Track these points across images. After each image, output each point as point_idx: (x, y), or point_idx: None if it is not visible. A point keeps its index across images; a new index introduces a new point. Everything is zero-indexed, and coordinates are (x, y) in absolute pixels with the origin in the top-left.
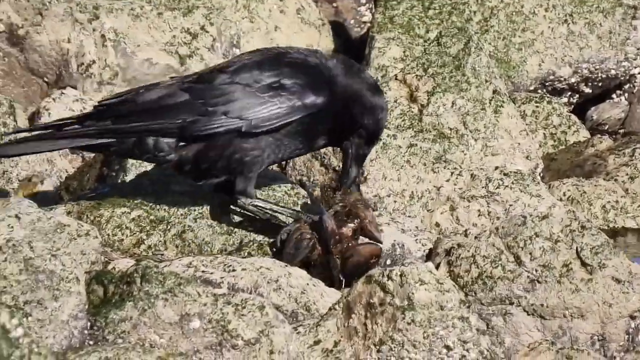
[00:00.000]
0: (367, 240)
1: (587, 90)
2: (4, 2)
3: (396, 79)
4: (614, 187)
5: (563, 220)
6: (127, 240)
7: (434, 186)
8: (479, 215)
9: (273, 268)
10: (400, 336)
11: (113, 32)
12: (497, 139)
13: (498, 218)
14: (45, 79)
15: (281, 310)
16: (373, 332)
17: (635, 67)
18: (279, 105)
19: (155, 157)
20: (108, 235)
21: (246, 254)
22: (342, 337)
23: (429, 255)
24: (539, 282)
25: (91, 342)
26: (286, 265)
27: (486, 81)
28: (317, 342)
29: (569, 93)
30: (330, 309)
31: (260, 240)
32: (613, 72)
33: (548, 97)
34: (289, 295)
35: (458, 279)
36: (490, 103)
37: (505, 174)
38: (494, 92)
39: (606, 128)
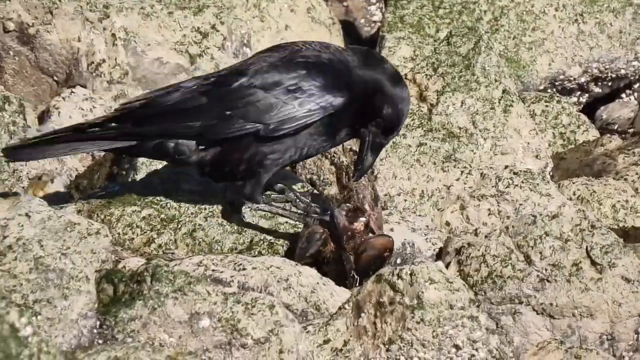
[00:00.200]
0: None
1: (597, 89)
2: (15, 1)
3: (406, 78)
4: (624, 187)
5: (573, 219)
6: (137, 239)
7: (444, 185)
8: (489, 214)
9: (283, 267)
10: (409, 335)
11: (123, 31)
12: (507, 138)
13: (508, 217)
14: (55, 78)
15: (291, 309)
16: (382, 331)
17: None
18: (298, 108)
19: (175, 159)
20: (118, 234)
21: (256, 252)
22: (351, 336)
23: (439, 254)
24: (548, 281)
25: (100, 341)
26: (296, 264)
27: (496, 80)
28: (326, 342)
29: (579, 92)
30: (339, 308)
31: (270, 239)
32: (623, 71)
33: (558, 96)
34: (299, 294)
35: (468, 278)
36: (499, 102)
37: (515, 173)
38: (504, 91)
39: (616, 127)
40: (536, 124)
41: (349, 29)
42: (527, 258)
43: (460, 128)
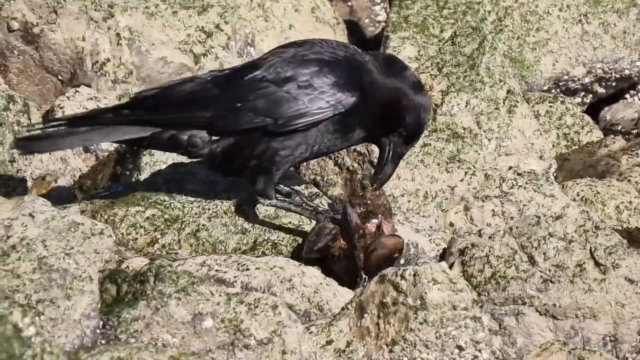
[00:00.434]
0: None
1: (601, 90)
2: (19, 0)
3: None
4: (628, 188)
5: (577, 220)
6: (141, 239)
7: (448, 186)
8: (492, 215)
9: (287, 267)
10: (412, 336)
11: (128, 30)
12: (511, 139)
13: (512, 218)
14: (60, 77)
15: (294, 309)
16: (385, 332)
17: None
18: (307, 104)
19: (188, 151)
20: (122, 234)
21: (260, 253)
22: (354, 337)
23: (443, 255)
24: (552, 282)
25: (103, 342)
26: (300, 265)
27: (500, 81)
28: (329, 342)
29: (583, 93)
30: (342, 308)
31: (274, 240)
32: (627, 72)
33: (562, 97)
34: (302, 294)
35: (471, 279)
36: (504, 103)
37: (519, 174)
38: (508, 91)
39: (619, 128)
40: (540, 124)
41: (353, 28)
42: (531, 259)
43: (464, 128)
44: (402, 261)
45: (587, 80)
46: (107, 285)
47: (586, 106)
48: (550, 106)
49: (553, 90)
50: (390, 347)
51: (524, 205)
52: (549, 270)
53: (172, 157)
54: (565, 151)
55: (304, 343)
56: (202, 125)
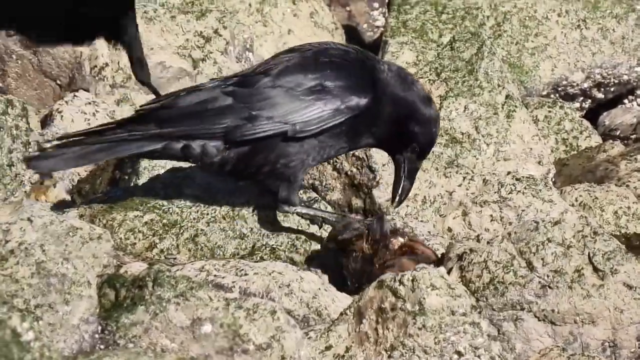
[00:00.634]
0: (415, 257)
1: (600, 95)
2: None
3: None
4: (626, 193)
5: (575, 225)
6: (139, 244)
7: (446, 191)
8: (491, 220)
9: (285, 272)
10: (411, 342)
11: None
12: (510, 144)
13: (510, 223)
14: (58, 82)
15: (293, 315)
16: (384, 338)
17: None
18: (323, 108)
19: (201, 160)
20: (120, 238)
21: (258, 258)
22: (353, 342)
23: (441, 260)
24: (550, 287)
25: (102, 347)
26: (298, 270)
27: (499, 86)
28: (328, 348)
29: (581, 98)
30: (341, 314)
31: (272, 245)
32: (625, 77)
33: (560, 102)
34: (301, 300)
35: (470, 284)
36: (502, 108)
37: (517, 179)
38: (507, 96)
39: (618, 133)
40: (539, 129)
41: (351, 33)
42: (529, 264)
43: (463, 133)
44: None
45: (585, 85)
46: (106, 290)
47: (585, 111)
48: (549, 111)
49: (552, 96)
50: (389, 352)
51: (523, 210)
52: (548, 276)
53: (171, 162)
54: (564, 156)
55: (303, 348)
56: (218, 135)
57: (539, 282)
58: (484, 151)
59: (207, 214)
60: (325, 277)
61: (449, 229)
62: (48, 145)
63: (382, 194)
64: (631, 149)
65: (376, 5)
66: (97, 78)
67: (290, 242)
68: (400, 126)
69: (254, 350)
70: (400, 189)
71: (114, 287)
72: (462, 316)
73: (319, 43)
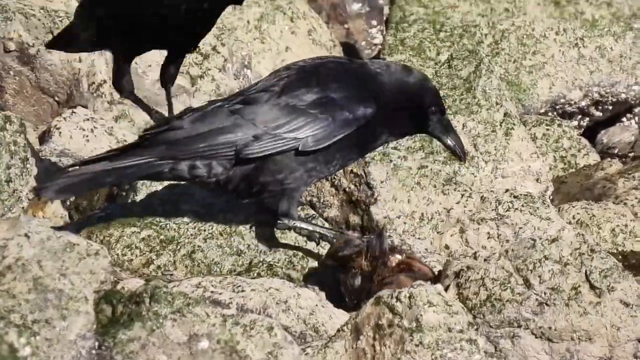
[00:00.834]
0: (413, 274)
1: (598, 113)
2: (15, 21)
3: None
4: (624, 211)
5: (572, 243)
6: (136, 260)
7: (444, 208)
8: (488, 237)
9: (282, 289)
10: (408, 358)
11: None
12: (508, 162)
13: (507, 241)
14: (56, 98)
15: (290, 331)
16: (381, 354)
17: None
18: (331, 121)
19: (207, 179)
20: (117, 255)
21: (255, 274)
22: (350, 358)
23: (438, 277)
24: (547, 305)
25: None
26: (295, 286)
27: (497, 104)
28: None
29: (580, 116)
30: (338, 330)
31: (269, 261)
32: (623, 95)
33: (558, 120)
34: (298, 316)
35: (467, 301)
36: (500, 125)
37: (515, 197)
38: (505, 114)
39: (616, 151)
40: (537, 147)
41: (349, 51)
42: (526, 282)
43: None
44: None
45: (583, 103)
46: (103, 306)
47: (583, 129)
48: (547, 129)
49: (550, 114)
50: None
51: (520, 228)
52: (545, 293)
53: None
54: (562, 174)
55: None
56: (226, 154)
57: (536, 299)
58: (482, 168)
59: (204, 231)
60: (323, 294)
61: (447, 246)
62: (56, 174)
63: (379, 211)
64: (629, 167)
65: (374, 23)
66: (95, 94)
67: (287, 259)
68: (411, 108)
69: None
70: (454, 146)
71: (111, 303)
72: (459, 333)
73: (315, 58)
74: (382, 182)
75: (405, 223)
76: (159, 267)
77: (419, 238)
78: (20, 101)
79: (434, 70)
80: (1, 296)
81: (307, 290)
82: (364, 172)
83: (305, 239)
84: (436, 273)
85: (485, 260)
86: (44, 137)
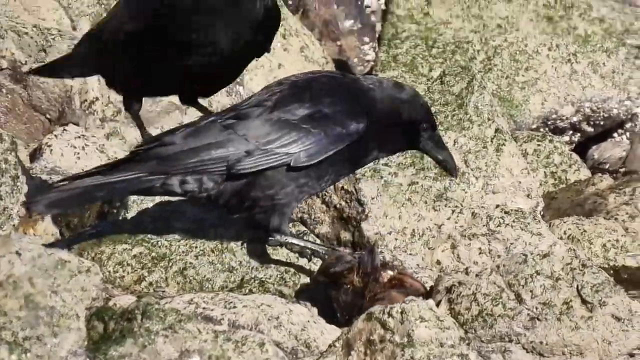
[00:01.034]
0: (405, 290)
1: (589, 129)
2: (8, 39)
3: None
4: (615, 226)
5: (564, 258)
6: (128, 277)
7: (435, 224)
8: (479, 253)
9: (274, 305)
10: None
11: None
12: (499, 177)
13: (499, 256)
14: (48, 116)
15: (281, 347)
16: None
17: (637, 107)
18: (323, 135)
19: (200, 194)
20: (109, 272)
21: (247, 291)
22: None
23: (430, 293)
24: (539, 319)
25: None
26: (287, 302)
27: (488, 119)
28: None
29: (571, 132)
30: (330, 346)
31: (261, 278)
32: (615, 111)
33: (550, 135)
34: (289, 332)
35: (458, 317)
36: (492, 141)
37: (506, 212)
38: (496, 130)
39: (607, 167)
40: (528, 163)
41: (342, 68)
42: (518, 297)
43: None
44: None
45: (575, 119)
46: (94, 322)
47: (574, 145)
48: (539, 145)
49: (541, 129)
50: None
51: (511, 243)
52: (536, 308)
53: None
54: (552, 189)
55: None
56: (218, 169)
57: (528, 314)
58: (473, 184)
59: (196, 247)
60: (315, 310)
61: (438, 262)
62: (46, 189)
63: (371, 227)
64: (620, 182)
65: (367, 39)
66: (87, 112)
67: (279, 275)
68: (403, 124)
69: None
70: (445, 161)
71: (102, 319)
72: (450, 348)
73: (308, 73)
74: (373, 198)
75: (396, 239)
76: (150, 283)
77: (410, 254)
78: (12, 119)
79: (426, 86)
80: None
81: (299, 306)
82: (355, 189)
83: (296, 255)
84: (428, 289)
85: (476, 275)
86: (35, 155)
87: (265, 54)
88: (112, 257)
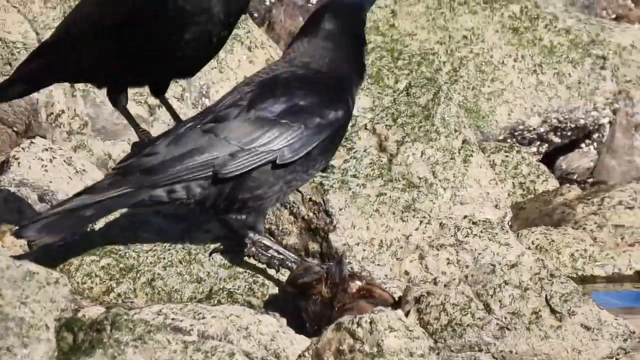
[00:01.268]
0: (373, 300)
1: (556, 139)
2: None
3: (365, 128)
4: (583, 236)
5: (532, 268)
6: (96, 288)
7: (403, 235)
8: (448, 263)
9: (243, 315)
10: None
11: None
12: (466, 188)
13: (467, 266)
14: (15, 129)
15: (251, 357)
16: None
17: (604, 117)
18: (305, 128)
19: (188, 200)
20: (78, 283)
21: (216, 301)
22: None
23: (399, 303)
24: (508, 329)
25: None
26: (256, 313)
27: (455, 131)
28: None
29: (538, 142)
30: (299, 356)
31: (230, 288)
32: (582, 121)
33: (517, 146)
34: (259, 342)
35: (428, 327)
36: (459, 153)
37: (474, 223)
38: (464, 141)
39: (575, 177)
40: (496, 174)
41: None
42: (487, 306)
43: (420, 178)
44: None
45: (542, 129)
46: (64, 333)
47: (542, 155)
48: (506, 156)
49: (509, 140)
50: None
51: (479, 253)
52: (505, 318)
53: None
54: (520, 200)
55: None
56: (204, 175)
57: (497, 323)
58: (440, 195)
59: (164, 258)
60: (284, 320)
61: (406, 272)
62: (36, 216)
63: (339, 238)
64: (588, 192)
65: None
66: (53, 125)
67: (247, 286)
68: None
69: None
70: None
71: (72, 330)
72: (420, 357)
73: (264, 71)
74: (340, 209)
75: (364, 250)
76: (119, 294)
77: (378, 264)
78: None
79: (392, 98)
80: None
81: (268, 317)
82: (323, 200)
83: (264, 266)
84: (396, 299)
85: (445, 285)
86: (2, 168)
87: (231, 66)
88: (81, 269)
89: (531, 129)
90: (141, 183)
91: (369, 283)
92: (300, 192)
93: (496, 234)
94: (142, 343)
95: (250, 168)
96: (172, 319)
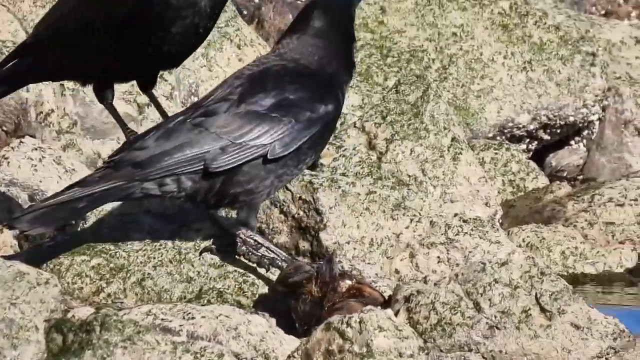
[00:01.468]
0: (363, 299)
1: (546, 137)
2: None
3: (355, 126)
4: (573, 233)
5: (522, 266)
6: (86, 289)
7: (393, 233)
8: (438, 262)
9: (232, 316)
10: None
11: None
12: (456, 186)
13: (457, 265)
14: (4, 128)
15: (240, 357)
16: None
17: (593, 114)
18: (295, 122)
19: (179, 194)
20: (68, 283)
21: (205, 301)
22: None
23: (389, 302)
24: (498, 328)
25: None
26: (246, 313)
27: (445, 128)
28: None
29: (528, 140)
30: (289, 356)
31: (219, 288)
32: (572, 118)
33: (507, 144)
34: (248, 342)
35: (417, 326)
36: (449, 150)
37: (464, 221)
38: (453, 139)
39: (565, 174)
40: (485, 171)
41: None
42: (477, 305)
43: (409, 176)
44: None
45: (532, 127)
46: (53, 334)
47: (531, 153)
48: (496, 153)
49: (498, 137)
50: None
51: (470, 252)
52: (495, 317)
53: (117, 206)
54: (511, 197)
55: None
56: (194, 168)
57: (487, 323)
58: (430, 193)
59: (154, 258)
60: (273, 320)
61: (396, 271)
62: (29, 207)
63: (329, 237)
64: (578, 189)
65: None
66: (43, 124)
67: (237, 286)
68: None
69: None
70: None
71: (61, 331)
72: (409, 358)
73: (255, 64)
74: (331, 208)
75: (354, 248)
76: (109, 295)
77: (368, 263)
78: None
79: (381, 95)
80: None
81: (258, 317)
82: (313, 199)
83: (255, 265)
84: (386, 298)
85: (435, 284)
86: None
87: (220, 64)
88: (71, 269)
89: (521, 126)
90: (132, 176)
91: (359, 282)
92: (290, 190)
93: (487, 232)
94: (131, 344)
95: (241, 162)
96: (162, 319)
